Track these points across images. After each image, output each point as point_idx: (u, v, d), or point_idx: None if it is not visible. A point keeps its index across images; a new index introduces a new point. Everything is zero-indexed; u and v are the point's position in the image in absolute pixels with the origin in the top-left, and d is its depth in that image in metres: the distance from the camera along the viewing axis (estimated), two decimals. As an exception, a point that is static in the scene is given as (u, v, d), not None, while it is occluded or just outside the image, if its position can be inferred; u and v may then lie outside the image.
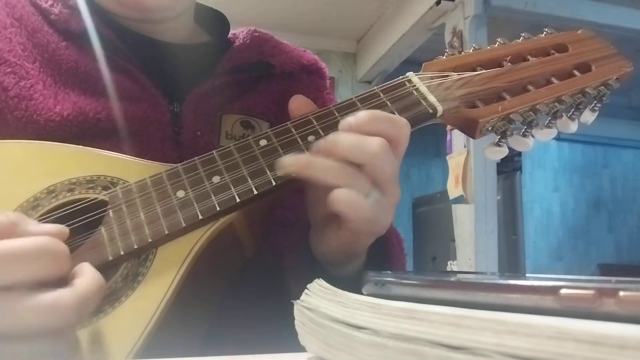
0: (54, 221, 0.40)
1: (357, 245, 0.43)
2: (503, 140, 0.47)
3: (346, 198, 0.38)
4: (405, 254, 0.56)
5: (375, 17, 3.23)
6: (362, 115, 0.40)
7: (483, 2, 2.43)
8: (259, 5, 2.95)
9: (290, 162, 0.39)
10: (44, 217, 0.40)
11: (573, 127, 0.49)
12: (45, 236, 0.31)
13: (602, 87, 0.49)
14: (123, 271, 0.38)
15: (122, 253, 0.38)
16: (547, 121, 0.48)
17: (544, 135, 0.48)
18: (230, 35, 0.62)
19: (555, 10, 2.59)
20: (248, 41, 0.59)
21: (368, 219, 0.40)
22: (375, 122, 0.40)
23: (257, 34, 0.60)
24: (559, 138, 4.81)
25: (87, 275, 0.32)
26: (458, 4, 2.49)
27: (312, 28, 3.29)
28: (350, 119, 0.40)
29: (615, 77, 0.49)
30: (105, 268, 0.38)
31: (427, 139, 4.39)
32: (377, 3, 3.04)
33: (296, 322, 0.28)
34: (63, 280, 0.31)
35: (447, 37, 2.55)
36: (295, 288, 0.48)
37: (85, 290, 0.31)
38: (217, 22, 0.64)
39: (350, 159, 0.39)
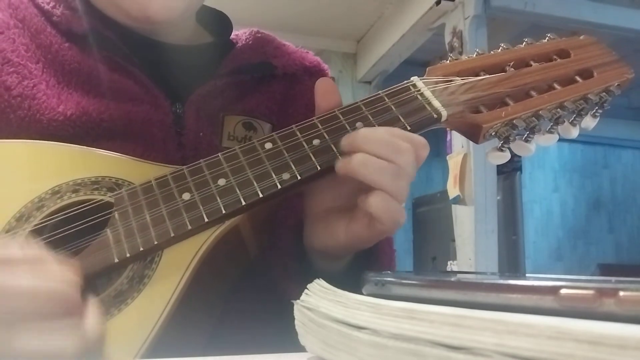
0: (60, 223, 0.40)
1: (367, 240, 0.44)
2: (506, 145, 0.47)
3: (386, 205, 0.40)
4: (394, 249, 0.57)
5: (375, 17, 3.23)
6: (394, 129, 0.42)
7: (483, 2, 2.43)
8: (259, 5, 2.95)
9: (342, 164, 0.41)
10: (48, 218, 0.40)
11: (574, 132, 0.50)
12: (64, 282, 0.32)
13: (604, 93, 0.49)
14: (129, 273, 0.38)
15: (128, 255, 0.38)
16: (549, 127, 0.48)
17: (546, 140, 0.48)
18: (232, 36, 0.62)
19: (555, 11, 2.59)
20: (250, 42, 0.59)
21: (399, 223, 0.41)
22: (401, 139, 0.41)
23: (259, 35, 0.60)
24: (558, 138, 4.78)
25: (92, 318, 0.33)
26: (458, 4, 2.49)
27: (312, 28, 3.29)
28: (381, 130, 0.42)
29: (616, 84, 0.50)
30: (111, 270, 0.38)
31: (427, 139, 4.35)
32: (377, 3, 3.04)
33: (296, 322, 0.28)
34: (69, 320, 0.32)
35: (447, 38, 2.55)
36: (283, 285, 0.48)
37: (90, 335, 0.32)
38: (220, 22, 0.63)
39: (382, 154, 0.40)
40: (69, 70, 0.50)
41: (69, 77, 0.50)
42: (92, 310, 0.34)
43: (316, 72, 0.62)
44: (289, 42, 0.64)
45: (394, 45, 3.08)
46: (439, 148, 4.14)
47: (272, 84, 0.58)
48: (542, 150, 4.72)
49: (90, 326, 0.33)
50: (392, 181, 0.40)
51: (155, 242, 0.38)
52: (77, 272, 0.34)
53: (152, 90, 0.51)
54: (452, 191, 2.41)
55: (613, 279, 0.18)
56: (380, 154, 0.40)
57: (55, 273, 0.32)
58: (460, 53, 0.54)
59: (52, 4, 0.52)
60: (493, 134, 0.46)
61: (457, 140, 2.42)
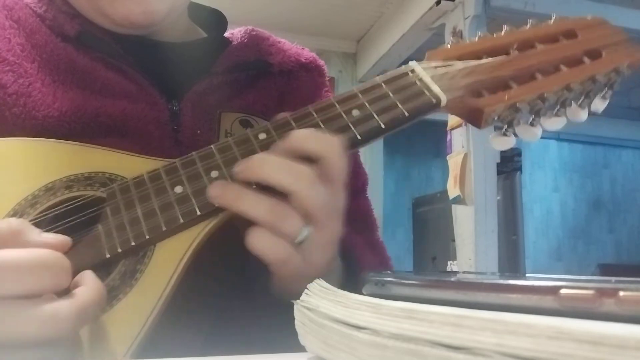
0: (52, 219, 0.40)
1: (289, 288, 0.39)
2: (510, 130, 0.45)
3: (264, 242, 0.37)
4: (385, 258, 0.56)
5: (375, 17, 3.22)
6: (292, 134, 0.40)
7: (483, 2, 2.43)
8: (259, 5, 2.95)
9: (218, 194, 0.38)
10: (41, 214, 0.40)
11: (583, 115, 0.47)
12: (47, 250, 0.31)
13: (613, 73, 0.47)
14: (121, 268, 0.38)
15: (119, 250, 0.38)
16: (556, 110, 0.46)
17: (553, 124, 0.46)
18: (227, 34, 0.62)
19: (555, 11, 2.54)
20: (246, 40, 0.59)
21: (292, 267, 0.38)
22: (302, 141, 0.39)
23: (254, 33, 0.60)
24: (558, 138, 4.81)
25: (88, 285, 0.32)
26: (458, 4, 2.49)
27: (312, 28, 3.29)
28: (279, 143, 0.39)
29: (627, 64, 0.48)
30: (103, 265, 0.38)
31: (427, 139, 4.39)
32: (377, 3, 3.04)
33: (296, 322, 0.28)
34: (64, 289, 0.32)
35: (447, 38, 2.55)
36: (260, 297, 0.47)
37: (85, 301, 0.31)
38: (214, 19, 0.64)
39: (274, 182, 0.37)
40: (64, 69, 0.50)
41: (64, 75, 0.50)
42: (87, 273, 0.33)
43: (312, 68, 0.62)
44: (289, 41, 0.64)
45: (394, 45, 3.08)
46: (438, 148, 4.15)
47: (268, 81, 0.58)
48: (542, 150, 4.72)
49: (86, 290, 0.32)
50: (270, 215, 0.37)
51: (147, 237, 0.38)
52: (57, 237, 0.33)
53: (147, 89, 0.51)
54: (452, 191, 2.41)
55: (613, 279, 0.18)
56: (279, 182, 0.37)
57: (38, 242, 0.32)
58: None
59: (44, 7, 0.53)
60: (496, 118, 0.44)
61: (457, 140, 2.42)
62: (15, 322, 0.29)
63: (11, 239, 0.31)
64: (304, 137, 0.40)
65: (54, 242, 0.33)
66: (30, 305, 0.29)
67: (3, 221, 0.32)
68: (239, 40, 0.59)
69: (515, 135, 0.46)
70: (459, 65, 0.45)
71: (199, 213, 0.39)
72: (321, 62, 0.63)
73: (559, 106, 0.46)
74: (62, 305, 0.30)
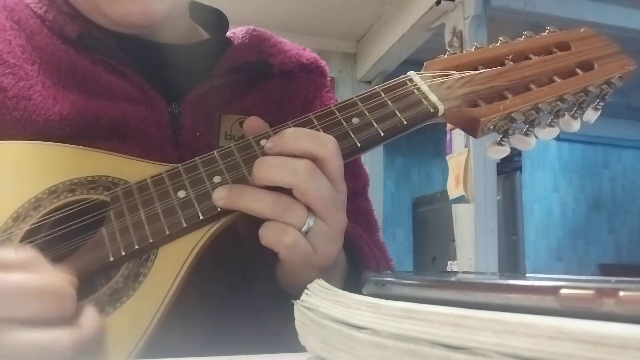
0: (55, 222, 0.40)
1: (298, 278, 0.41)
2: (505, 140, 0.47)
3: (272, 231, 0.38)
4: (386, 259, 0.56)
5: (375, 17, 3.23)
6: (285, 133, 0.40)
7: (483, 2, 2.43)
8: (259, 5, 2.95)
9: (222, 196, 0.40)
10: (45, 217, 0.40)
11: (576, 125, 0.49)
12: (56, 278, 0.32)
13: (605, 85, 0.49)
14: (124, 271, 0.38)
15: (123, 253, 0.38)
16: (550, 120, 0.48)
17: (546, 134, 0.48)
18: (229, 34, 0.62)
19: (555, 11, 2.59)
20: (247, 41, 0.59)
21: (301, 252, 0.39)
22: (296, 139, 0.40)
23: (255, 33, 0.60)
24: (558, 138, 4.81)
25: (88, 318, 0.33)
26: (458, 4, 2.49)
27: (312, 28, 3.29)
28: (274, 137, 0.41)
29: (618, 76, 0.49)
30: (107, 268, 0.38)
31: (427, 139, 4.39)
32: (377, 3, 3.04)
33: (296, 322, 0.28)
34: (65, 320, 0.32)
35: (447, 37, 2.55)
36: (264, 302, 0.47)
37: (84, 334, 0.32)
38: (216, 19, 0.63)
39: (275, 180, 0.39)
40: (64, 72, 0.50)
41: (65, 78, 0.50)
42: (88, 307, 0.34)
43: (314, 69, 0.61)
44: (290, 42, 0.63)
45: (394, 45, 3.08)
46: (438, 148, 4.15)
47: (269, 82, 0.58)
48: (542, 150, 4.72)
49: (86, 322, 0.32)
50: (274, 208, 0.38)
51: (151, 240, 0.38)
52: (71, 272, 0.33)
53: (147, 91, 0.51)
54: (453, 191, 2.41)
55: (613, 279, 0.18)
56: (279, 179, 0.39)
57: (49, 272, 0.32)
58: (461, 52, 0.53)
59: (44, 8, 0.52)
60: (491, 127, 0.46)
61: (458, 141, 2.43)
62: (13, 346, 0.29)
63: (24, 266, 0.32)
64: (296, 136, 0.40)
65: (63, 273, 0.33)
66: (31, 331, 0.30)
67: (20, 249, 0.33)
68: (239, 41, 0.59)
69: (510, 145, 0.47)
70: (456, 75, 0.46)
71: (201, 217, 0.39)
72: (322, 62, 0.63)
73: (552, 116, 0.48)
74: (61, 335, 0.30)
